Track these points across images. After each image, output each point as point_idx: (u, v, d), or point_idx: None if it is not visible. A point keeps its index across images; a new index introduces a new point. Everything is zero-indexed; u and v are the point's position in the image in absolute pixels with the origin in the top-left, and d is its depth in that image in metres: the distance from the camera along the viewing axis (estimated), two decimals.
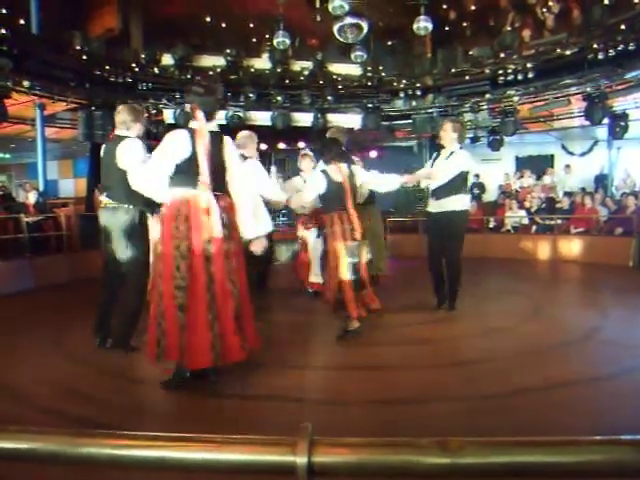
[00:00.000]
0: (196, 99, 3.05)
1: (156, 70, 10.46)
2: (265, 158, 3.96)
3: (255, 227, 3.18)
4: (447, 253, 4.92)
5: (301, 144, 12.12)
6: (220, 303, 2.91)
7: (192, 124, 3.01)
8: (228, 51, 10.63)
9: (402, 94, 11.27)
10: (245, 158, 4.50)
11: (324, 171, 4.16)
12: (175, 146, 2.93)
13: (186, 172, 2.92)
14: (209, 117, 3.04)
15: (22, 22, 8.94)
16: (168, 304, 2.89)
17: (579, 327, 4.51)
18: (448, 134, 4.88)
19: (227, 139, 3.10)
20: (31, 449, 0.81)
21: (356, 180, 4.21)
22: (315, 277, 5.89)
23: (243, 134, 4.92)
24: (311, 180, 4.49)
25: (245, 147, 4.71)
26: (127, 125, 3.83)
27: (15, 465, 0.94)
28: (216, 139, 3.02)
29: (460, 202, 4.85)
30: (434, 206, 4.94)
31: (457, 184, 4.80)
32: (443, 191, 4.83)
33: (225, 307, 2.92)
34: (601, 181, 11.51)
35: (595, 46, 9.03)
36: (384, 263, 5.92)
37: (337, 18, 8.95)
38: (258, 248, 3.22)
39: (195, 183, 2.92)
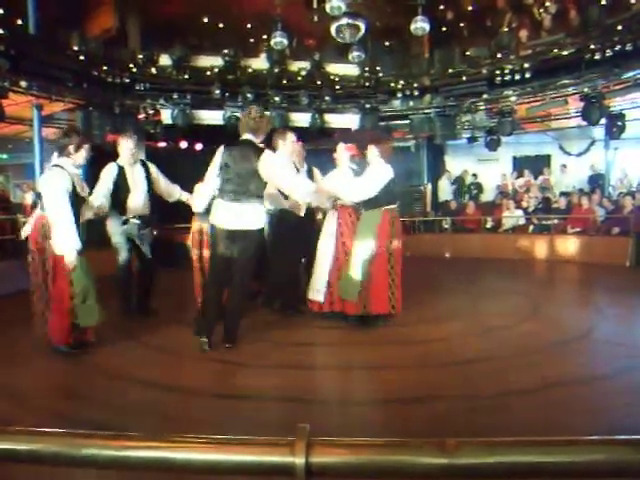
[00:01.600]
0: None
1: (154, 70, 10.41)
2: None
3: (61, 245, 3.69)
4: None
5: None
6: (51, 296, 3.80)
7: None
8: (226, 51, 10.60)
9: (400, 94, 11.26)
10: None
11: None
12: None
13: None
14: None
15: (19, 22, 8.88)
16: None
17: (576, 326, 4.53)
18: None
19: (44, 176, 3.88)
20: (31, 450, 0.81)
21: None
22: (315, 294, 4.73)
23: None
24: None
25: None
26: None
27: (15, 466, 0.94)
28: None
29: None
30: None
31: None
32: None
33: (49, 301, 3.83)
34: (595, 181, 11.54)
35: (592, 46, 9.03)
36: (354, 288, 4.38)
37: (334, 18, 8.92)
38: (66, 264, 3.72)
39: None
